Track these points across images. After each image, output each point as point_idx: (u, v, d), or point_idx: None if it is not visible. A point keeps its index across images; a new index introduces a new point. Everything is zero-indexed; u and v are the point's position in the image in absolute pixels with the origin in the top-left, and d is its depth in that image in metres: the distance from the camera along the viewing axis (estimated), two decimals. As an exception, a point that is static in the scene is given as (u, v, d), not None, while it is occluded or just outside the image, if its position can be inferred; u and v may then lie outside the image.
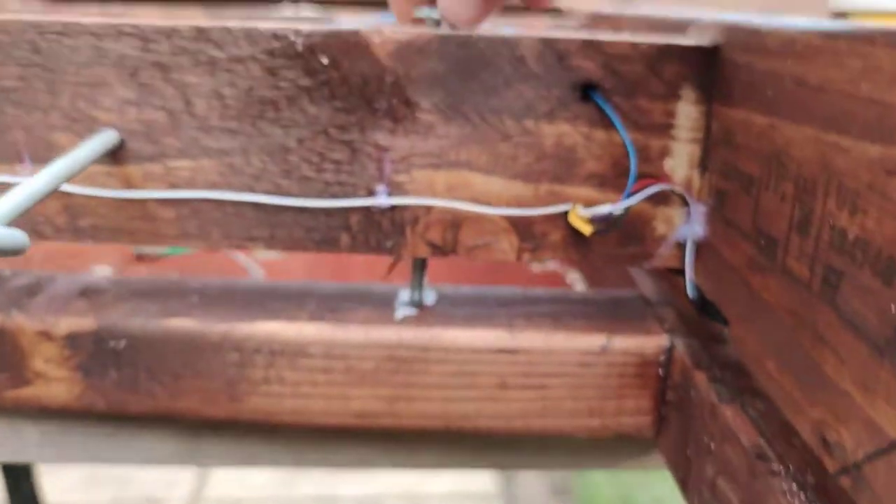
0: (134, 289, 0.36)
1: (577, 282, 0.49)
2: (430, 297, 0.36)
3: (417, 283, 0.35)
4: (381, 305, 0.35)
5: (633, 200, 0.31)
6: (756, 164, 0.27)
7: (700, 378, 0.30)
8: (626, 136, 0.31)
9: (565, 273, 0.51)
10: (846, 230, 0.21)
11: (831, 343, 0.21)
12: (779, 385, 0.24)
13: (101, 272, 0.53)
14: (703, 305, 0.32)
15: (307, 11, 0.60)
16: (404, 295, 0.36)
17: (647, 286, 0.39)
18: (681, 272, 0.33)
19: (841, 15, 0.47)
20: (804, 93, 0.24)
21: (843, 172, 0.21)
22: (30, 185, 0.26)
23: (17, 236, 0.22)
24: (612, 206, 0.31)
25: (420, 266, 0.35)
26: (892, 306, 0.18)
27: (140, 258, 0.50)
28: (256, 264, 0.49)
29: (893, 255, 0.19)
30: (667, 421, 0.33)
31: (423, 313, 0.34)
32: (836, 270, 0.21)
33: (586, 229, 0.31)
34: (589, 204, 0.32)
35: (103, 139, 0.31)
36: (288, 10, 0.61)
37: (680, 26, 0.36)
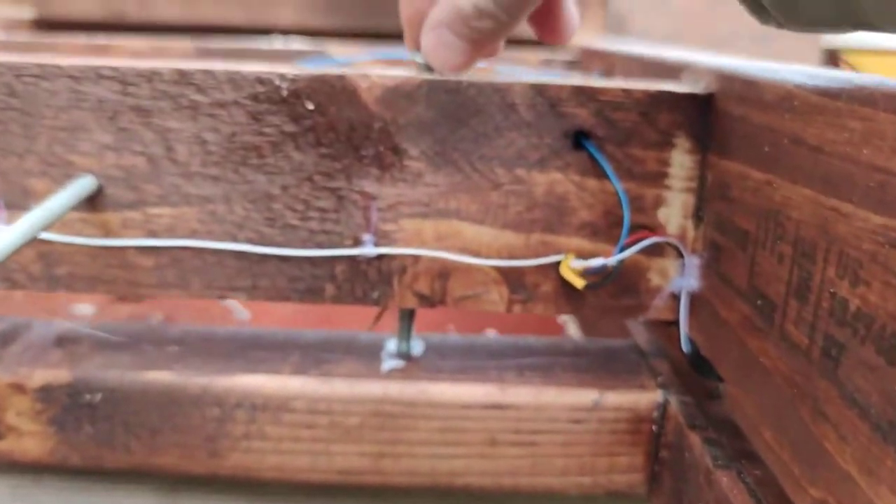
0: (112, 337, 0.35)
1: (568, 322, 0.48)
2: (417, 348, 0.35)
3: (405, 334, 0.34)
4: (366, 356, 0.34)
5: (626, 254, 0.30)
6: (752, 221, 0.26)
7: (694, 439, 0.29)
8: (618, 185, 0.31)
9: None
10: (847, 301, 0.20)
11: (832, 419, 0.20)
12: (776, 456, 0.23)
13: (83, 310, 0.52)
14: (698, 361, 0.31)
15: (297, 43, 0.59)
16: (391, 345, 0.35)
17: (640, 333, 0.38)
18: (676, 324, 0.32)
19: (833, 53, 0.47)
20: (802, 152, 0.23)
21: (844, 240, 0.20)
22: (3, 238, 0.25)
23: None
24: (606, 260, 0.30)
25: (408, 316, 0.34)
26: (898, 388, 0.17)
27: (122, 297, 0.49)
28: (239, 303, 0.48)
29: (899, 333, 0.18)
30: (660, 479, 0.32)
31: (411, 365, 0.33)
32: (838, 343, 0.20)
33: (578, 283, 0.30)
34: (581, 254, 0.31)
35: (81, 186, 0.30)
36: (278, 42, 0.60)
37: (673, 70, 0.35)
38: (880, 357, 0.18)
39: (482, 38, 0.29)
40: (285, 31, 0.71)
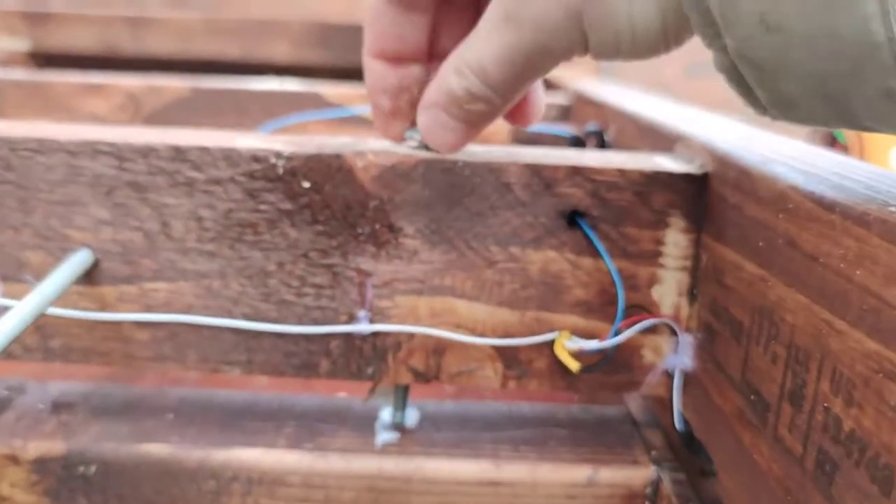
0: (108, 402, 0.35)
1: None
2: (412, 418, 0.35)
3: (399, 406, 0.34)
4: (361, 427, 0.34)
5: (621, 338, 0.30)
6: (747, 314, 0.26)
7: (688, 525, 0.29)
8: (612, 266, 0.31)
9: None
10: (841, 420, 0.20)
11: (826, 539, 0.20)
12: (771, 562, 0.23)
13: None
14: (691, 441, 0.31)
15: (291, 84, 0.59)
16: (385, 415, 0.35)
17: (634, 399, 0.38)
18: (670, 400, 0.32)
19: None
20: (797, 257, 0.23)
21: (838, 357, 0.20)
22: (11, 319, 0.25)
23: None
24: (601, 343, 0.30)
25: (402, 389, 0.34)
26: (891, 523, 0.18)
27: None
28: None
29: (892, 466, 0.18)
30: (654, 556, 0.32)
31: (405, 439, 0.33)
32: (832, 459, 0.20)
33: (573, 366, 0.30)
34: (576, 331, 0.32)
35: (79, 261, 0.30)
36: (273, 83, 0.60)
37: (668, 140, 0.35)
38: (874, 486, 0.18)
39: (477, 119, 0.29)
40: (279, 67, 0.71)
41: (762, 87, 0.21)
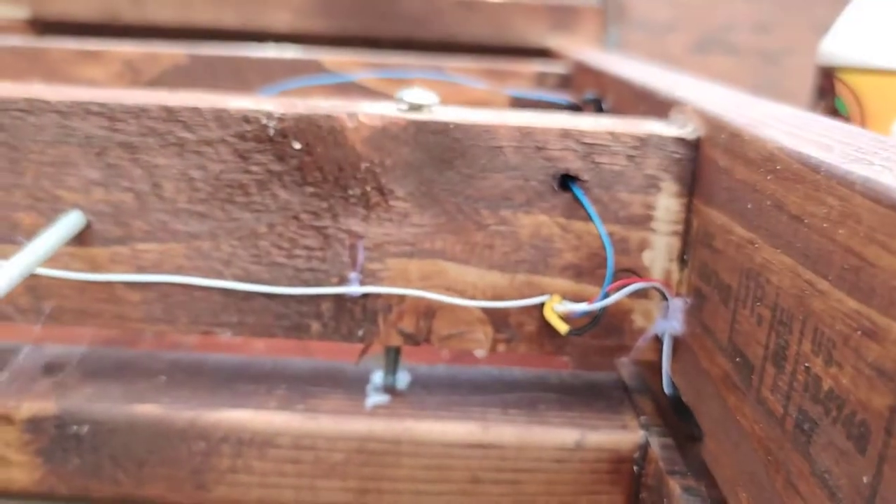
0: (100, 364, 0.35)
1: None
2: (403, 381, 0.35)
3: (391, 369, 0.34)
4: (352, 390, 0.34)
5: (610, 300, 0.30)
6: (735, 277, 0.26)
7: (674, 486, 0.29)
8: (602, 230, 0.31)
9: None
10: (821, 379, 0.20)
11: (803, 495, 0.20)
12: (751, 521, 0.24)
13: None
14: (679, 406, 0.31)
15: (290, 51, 0.59)
16: (377, 378, 0.35)
17: (626, 365, 0.39)
18: (659, 364, 0.32)
19: (827, 71, 0.46)
20: (783, 219, 0.23)
21: (820, 317, 0.20)
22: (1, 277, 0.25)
23: None
24: (590, 305, 0.30)
25: (394, 351, 0.34)
26: (865, 478, 0.18)
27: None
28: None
29: (867, 422, 0.18)
30: (641, 519, 0.32)
31: (396, 401, 0.34)
32: (810, 418, 0.20)
33: (562, 328, 0.30)
34: (566, 295, 0.32)
35: (70, 222, 0.30)
36: (272, 50, 0.60)
37: (663, 105, 0.35)
38: (850, 442, 0.18)
39: None
40: (279, 35, 0.71)
41: None
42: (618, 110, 0.46)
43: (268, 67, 0.57)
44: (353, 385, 0.34)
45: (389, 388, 0.34)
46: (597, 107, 0.49)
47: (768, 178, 0.24)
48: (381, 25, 0.72)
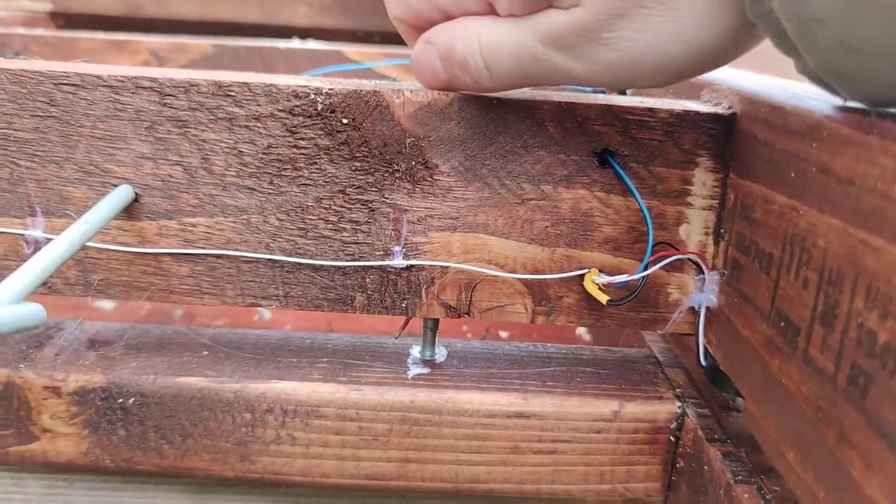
0: (143, 339, 0.36)
1: (581, 328, 0.49)
2: (441, 355, 0.35)
3: (430, 342, 0.35)
4: (393, 363, 0.35)
5: (650, 271, 0.31)
6: (776, 245, 0.27)
7: (714, 454, 0.30)
8: (642, 203, 0.31)
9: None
10: (876, 333, 0.21)
11: (858, 447, 0.21)
12: (799, 477, 0.24)
13: (104, 305, 0.52)
14: (716, 375, 0.32)
15: (314, 43, 0.60)
16: (415, 352, 0.36)
17: (655, 342, 0.39)
18: (693, 336, 0.33)
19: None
20: (831, 183, 0.24)
21: (874, 273, 0.21)
22: (46, 255, 0.26)
23: (34, 312, 0.22)
24: (629, 276, 0.31)
25: (432, 324, 0.35)
26: (926, 420, 0.18)
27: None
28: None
29: (927, 367, 0.19)
30: (676, 489, 0.33)
31: (436, 373, 0.34)
32: (865, 372, 0.21)
33: (602, 298, 0.31)
34: (604, 268, 0.32)
35: (119, 196, 0.31)
36: (296, 42, 0.61)
37: (693, 89, 0.36)
38: (908, 389, 0.19)
39: (459, 85, 0.29)
40: (300, 30, 0.72)
41: (846, 90, 0.22)
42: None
43: (293, 56, 0.58)
44: (393, 359, 0.35)
45: (428, 362, 0.35)
46: (621, 93, 0.49)
47: (813, 145, 0.25)
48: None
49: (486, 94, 0.31)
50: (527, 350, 0.37)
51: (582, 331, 0.49)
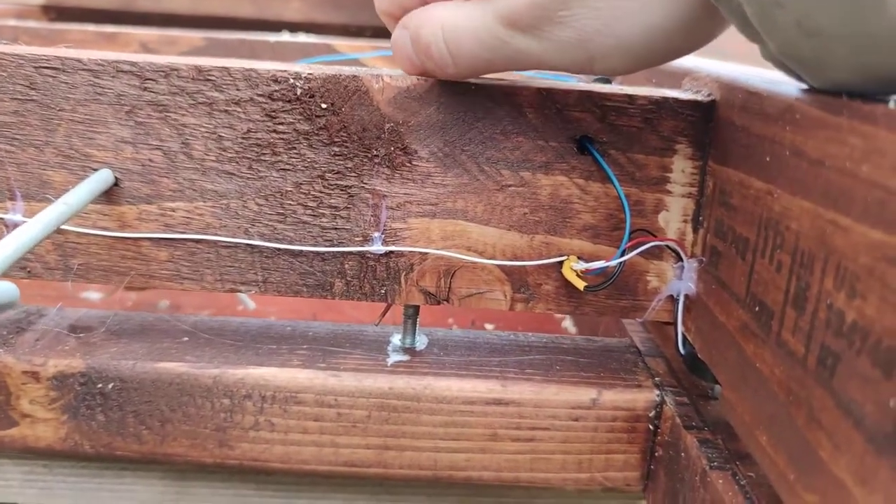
0: (124, 326, 0.36)
1: (565, 318, 0.49)
2: (421, 342, 0.35)
3: (410, 329, 0.35)
4: (373, 350, 0.35)
5: (626, 257, 0.31)
6: (752, 229, 0.27)
7: (690, 441, 0.30)
8: (621, 190, 0.31)
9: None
10: (844, 312, 0.21)
11: (827, 427, 0.21)
12: (771, 460, 0.24)
13: (90, 296, 0.52)
14: (694, 363, 0.32)
15: (304, 37, 0.60)
16: (396, 339, 0.36)
17: (636, 332, 0.39)
18: (673, 325, 0.33)
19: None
20: (803, 165, 0.24)
21: (842, 252, 0.21)
22: (22, 233, 0.26)
23: (7, 290, 0.22)
24: (607, 262, 0.31)
25: (412, 312, 0.35)
26: (892, 400, 0.18)
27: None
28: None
29: (894, 347, 0.19)
30: (655, 476, 0.33)
31: (415, 360, 0.34)
32: (833, 352, 0.21)
33: (580, 284, 0.31)
34: (583, 255, 0.32)
35: (99, 179, 0.31)
36: (286, 36, 0.61)
37: (676, 76, 0.36)
38: (876, 369, 0.19)
39: (426, 70, 0.29)
40: (292, 25, 0.72)
41: (809, 76, 0.22)
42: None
43: (282, 50, 0.58)
44: (373, 346, 0.35)
45: (408, 350, 0.35)
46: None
47: (787, 128, 0.25)
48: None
49: (464, 81, 0.31)
50: (507, 339, 0.37)
51: (568, 324, 0.49)
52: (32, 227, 0.26)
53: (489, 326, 0.49)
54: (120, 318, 0.36)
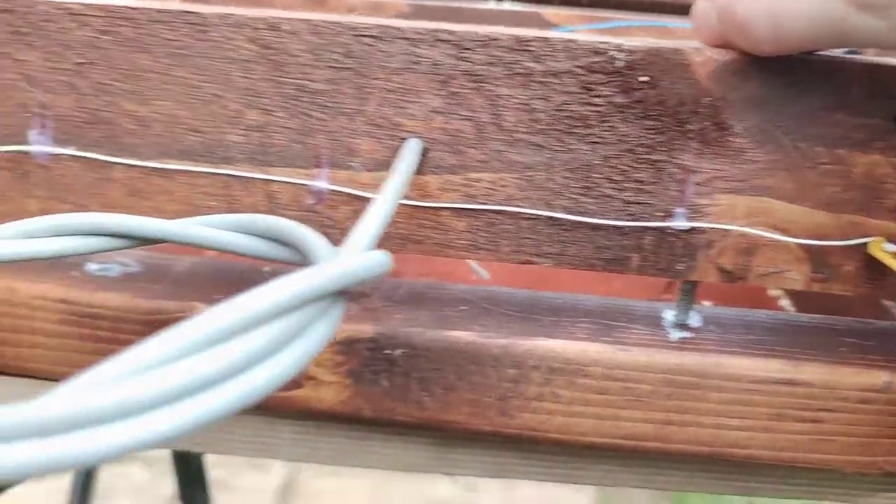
0: (398, 292, 0.36)
1: (780, 297, 0.49)
2: (695, 320, 0.35)
3: (686, 305, 0.35)
4: (650, 325, 0.35)
5: (957, 242, 0.31)
6: None
7: None
8: (941, 172, 0.31)
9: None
10: None
11: None
12: None
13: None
14: None
15: (509, 7, 0.59)
16: (669, 315, 0.35)
17: None
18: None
19: None
20: None
21: None
22: (383, 205, 0.26)
23: (381, 260, 0.22)
24: (934, 246, 0.31)
25: (690, 288, 0.35)
26: None
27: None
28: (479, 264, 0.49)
29: None
30: (949, 461, 0.33)
31: (698, 338, 0.34)
32: None
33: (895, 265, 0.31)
34: (890, 237, 0.32)
35: (413, 150, 0.31)
36: (491, 5, 0.60)
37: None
38: None
39: (736, 47, 0.29)
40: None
41: None
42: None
43: (491, 19, 0.57)
44: (649, 321, 0.35)
45: (685, 326, 0.35)
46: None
47: None
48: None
49: (785, 56, 0.30)
50: (779, 319, 0.37)
51: (785, 302, 0.49)
52: (387, 200, 0.26)
53: (706, 303, 0.49)
54: (392, 285, 0.37)
